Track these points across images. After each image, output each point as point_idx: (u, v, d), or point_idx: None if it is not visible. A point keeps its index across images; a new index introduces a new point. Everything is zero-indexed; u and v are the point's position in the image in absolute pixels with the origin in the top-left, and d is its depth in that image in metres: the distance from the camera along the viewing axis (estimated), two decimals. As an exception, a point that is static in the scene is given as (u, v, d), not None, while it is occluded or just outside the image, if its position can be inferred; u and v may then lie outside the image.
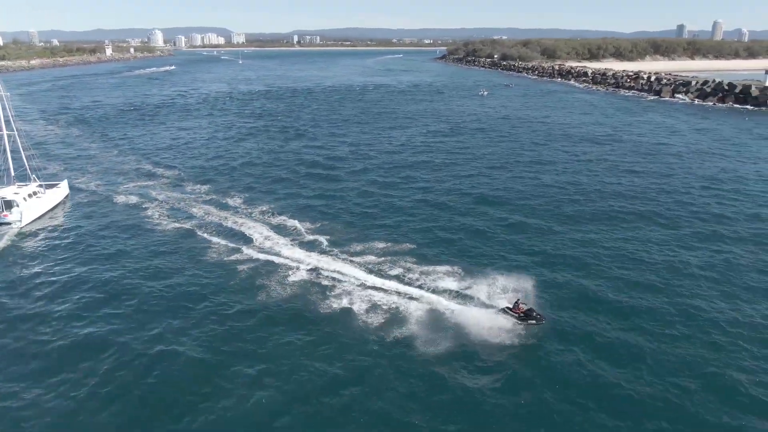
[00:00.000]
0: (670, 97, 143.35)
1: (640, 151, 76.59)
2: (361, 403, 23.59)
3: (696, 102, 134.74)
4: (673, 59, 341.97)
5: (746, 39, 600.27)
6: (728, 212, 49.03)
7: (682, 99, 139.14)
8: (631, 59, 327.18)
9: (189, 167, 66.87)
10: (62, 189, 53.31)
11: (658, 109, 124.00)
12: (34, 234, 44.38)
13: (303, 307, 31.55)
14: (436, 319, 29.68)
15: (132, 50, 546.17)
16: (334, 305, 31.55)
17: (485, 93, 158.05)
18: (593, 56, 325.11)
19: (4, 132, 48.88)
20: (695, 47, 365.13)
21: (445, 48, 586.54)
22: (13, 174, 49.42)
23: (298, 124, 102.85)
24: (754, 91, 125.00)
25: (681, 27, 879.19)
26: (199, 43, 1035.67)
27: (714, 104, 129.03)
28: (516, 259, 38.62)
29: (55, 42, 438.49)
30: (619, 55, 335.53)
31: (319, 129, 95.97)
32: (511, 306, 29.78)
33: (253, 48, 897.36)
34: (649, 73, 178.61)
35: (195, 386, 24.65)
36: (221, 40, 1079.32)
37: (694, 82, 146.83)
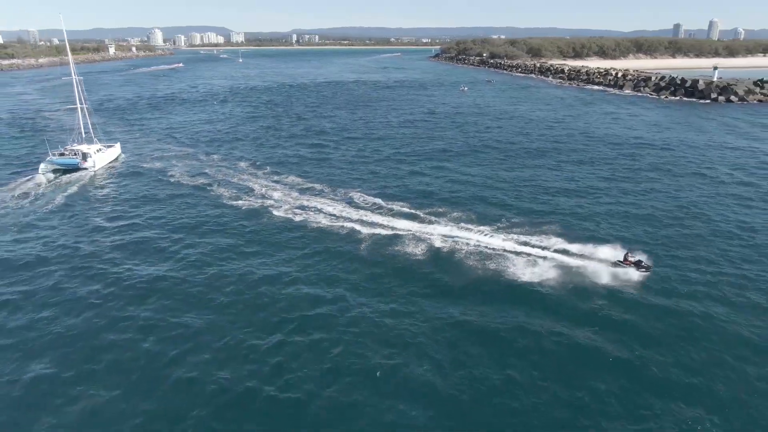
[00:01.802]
0: (631, 91, 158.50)
1: (577, 133, 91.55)
2: (524, 324, 30.53)
3: (651, 95, 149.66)
4: (655, 57, 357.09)
5: (742, 38, 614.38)
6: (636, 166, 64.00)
7: (640, 93, 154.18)
8: (614, 57, 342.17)
9: (204, 140, 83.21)
10: (117, 149, 73.45)
11: (613, 101, 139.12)
12: (103, 176, 64.14)
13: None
14: (566, 273, 35.88)
15: (134, 49, 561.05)
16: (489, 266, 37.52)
17: (465, 89, 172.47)
18: (578, 55, 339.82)
19: (83, 105, 69.00)
20: (676, 46, 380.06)
21: (438, 47, 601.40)
22: (83, 136, 68.87)
23: (294, 110, 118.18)
24: (701, 85, 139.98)
25: (678, 26, 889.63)
26: (198, 42, 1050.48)
27: (666, 97, 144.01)
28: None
29: (56, 41, 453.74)
30: (603, 53, 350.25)
31: (312, 114, 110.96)
32: (621, 259, 36.54)
33: (252, 47, 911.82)
34: (618, 70, 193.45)
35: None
36: (221, 39, 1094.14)
37: (654, 78, 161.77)
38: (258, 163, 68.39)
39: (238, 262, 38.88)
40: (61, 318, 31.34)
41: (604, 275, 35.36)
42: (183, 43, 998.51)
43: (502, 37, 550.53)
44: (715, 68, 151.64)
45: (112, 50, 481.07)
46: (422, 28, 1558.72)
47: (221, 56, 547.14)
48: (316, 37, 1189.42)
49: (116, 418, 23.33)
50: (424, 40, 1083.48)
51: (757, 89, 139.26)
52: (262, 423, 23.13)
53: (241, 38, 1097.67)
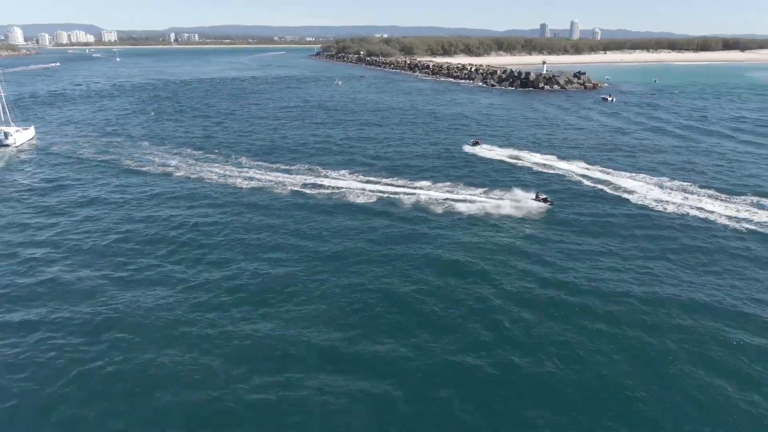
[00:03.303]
0: (480, 83, 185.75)
1: (423, 111, 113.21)
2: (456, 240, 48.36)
3: (495, 86, 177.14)
4: (514, 55, 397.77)
5: (599, 37, 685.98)
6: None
7: (486, 84, 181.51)
8: (479, 55, 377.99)
9: (102, 126, 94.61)
10: (31, 131, 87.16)
11: (463, 90, 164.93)
12: (24, 151, 76.74)
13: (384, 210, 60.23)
14: (493, 209, 50.19)
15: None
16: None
17: (340, 83, 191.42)
18: (446, 52, 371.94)
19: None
20: (531, 45, 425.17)
21: (320, 46, 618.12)
22: (1, 119, 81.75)
23: (181, 102, 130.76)
24: (532, 77, 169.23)
25: (544, 26, 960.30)
26: (65, 41, 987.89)
27: (505, 87, 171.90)
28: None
29: None
30: (469, 51, 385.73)
31: (198, 104, 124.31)
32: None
33: (127, 46, 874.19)
34: (473, 65, 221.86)
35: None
36: (90, 38, 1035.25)
37: (499, 72, 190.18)
38: (155, 141, 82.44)
39: (144, 211, 54.37)
40: None
41: (529, 208, 50.84)
42: (48, 42, 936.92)
43: (385, 35, 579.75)
44: (544, 63, 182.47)
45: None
46: (307, 27, 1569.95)
47: (95, 55, 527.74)
48: (196, 35, 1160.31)
49: None
50: (308, 39, 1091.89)
51: (575, 80, 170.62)
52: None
53: (113, 37, 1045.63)
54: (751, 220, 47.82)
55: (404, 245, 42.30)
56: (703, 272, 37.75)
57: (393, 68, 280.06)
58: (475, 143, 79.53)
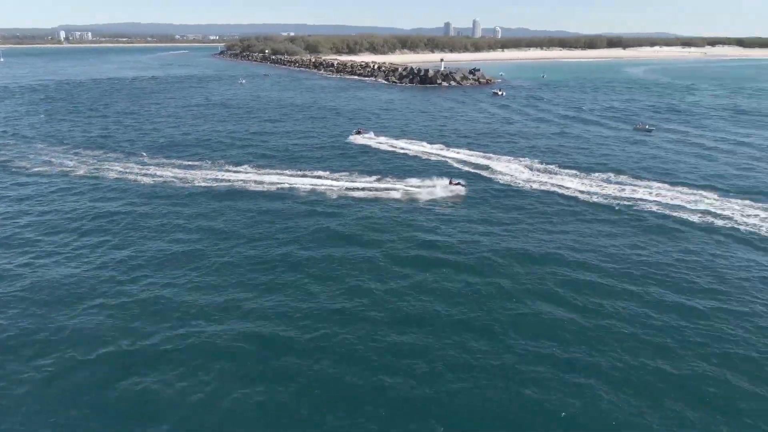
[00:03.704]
0: (382, 80, 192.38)
1: (326, 108, 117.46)
2: (375, 221, 54.50)
3: (396, 82, 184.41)
4: (417, 53, 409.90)
5: (500, 36, 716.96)
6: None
7: (388, 81, 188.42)
8: (383, 53, 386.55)
9: None
10: None
11: (366, 87, 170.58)
12: None
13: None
14: (415, 193, 55.16)
15: None
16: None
17: (243, 82, 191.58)
18: (351, 51, 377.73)
19: None
20: (434, 43, 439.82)
21: (224, 44, 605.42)
22: None
23: (76, 103, 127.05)
24: (430, 73, 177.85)
25: (448, 24, 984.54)
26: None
27: (406, 84, 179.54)
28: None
29: None
30: (374, 49, 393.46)
31: (95, 104, 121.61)
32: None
33: (10, 45, 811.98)
34: (376, 63, 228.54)
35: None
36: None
37: (400, 69, 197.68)
38: (51, 142, 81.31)
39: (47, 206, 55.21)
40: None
41: (443, 192, 56.08)
42: None
43: (292, 33, 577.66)
44: (442, 60, 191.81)
45: None
46: (210, 25, 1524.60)
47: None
48: (89, 34, 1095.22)
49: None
50: (212, 37, 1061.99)
51: (471, 76, 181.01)
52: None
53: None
54: (599, 193, 56.02)
55: (304, 222, 46.51)
56: (551, 231, 44.83)
57: (298, 67, 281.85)
58: (358, 132, 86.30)
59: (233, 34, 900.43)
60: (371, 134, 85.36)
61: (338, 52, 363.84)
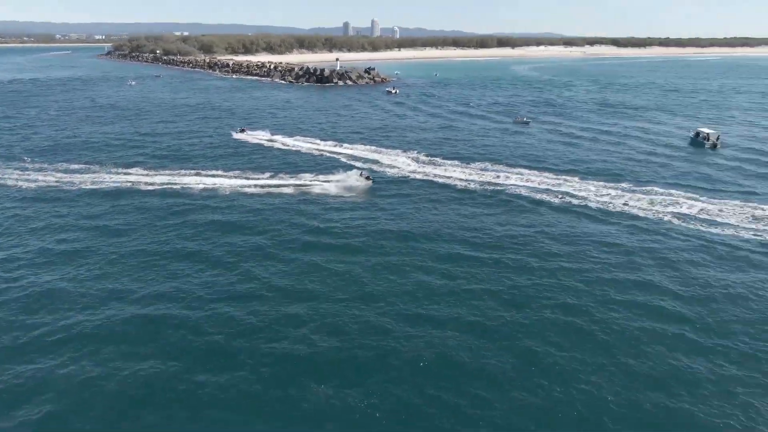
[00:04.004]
0: (279, 79, 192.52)
1: (220, 108, 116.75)
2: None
3: (293, 82, 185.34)
4: (315, 52, 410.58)
5: (398, 35, 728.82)
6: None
7: (285, 81, 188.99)
8: (281, 53, 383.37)
9: None
10: None
11: (262, 87, 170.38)
12: None
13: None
14: (330, 186, 56.89)
15: None
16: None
17: (133, 83, 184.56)
18: (248, 51, 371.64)
19: None
20: (332, 43, 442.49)
21: (111, 44, 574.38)
22: None
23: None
24: (326, 73, 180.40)
25: (347, 24, 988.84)
26: None
27: (302, 83, 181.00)
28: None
29: None
30: (271, 49, 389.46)
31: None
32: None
33: None
34: (273, 63, 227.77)
35: None
36: None
37: (296, 69, 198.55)
38: None
39: None
40: None
41: (359, 183, 58.23)
42: None
43: (186, 33, 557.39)
44: (337, 60, 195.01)
45: None
46: (97, 24, 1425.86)
47: None
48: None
49: None
50: (98, 37, 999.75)
51: (366, 75, 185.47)
52: None
53: None
54: (476, 180, 61.19)
55: (196, 217, 47.52)
56: (432, 214, 49.11)
57: (192, 67, 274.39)
58: (242, 130, 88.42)
59: (122, 34, 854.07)
60: (267, 132, 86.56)
61: (234, 52, 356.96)
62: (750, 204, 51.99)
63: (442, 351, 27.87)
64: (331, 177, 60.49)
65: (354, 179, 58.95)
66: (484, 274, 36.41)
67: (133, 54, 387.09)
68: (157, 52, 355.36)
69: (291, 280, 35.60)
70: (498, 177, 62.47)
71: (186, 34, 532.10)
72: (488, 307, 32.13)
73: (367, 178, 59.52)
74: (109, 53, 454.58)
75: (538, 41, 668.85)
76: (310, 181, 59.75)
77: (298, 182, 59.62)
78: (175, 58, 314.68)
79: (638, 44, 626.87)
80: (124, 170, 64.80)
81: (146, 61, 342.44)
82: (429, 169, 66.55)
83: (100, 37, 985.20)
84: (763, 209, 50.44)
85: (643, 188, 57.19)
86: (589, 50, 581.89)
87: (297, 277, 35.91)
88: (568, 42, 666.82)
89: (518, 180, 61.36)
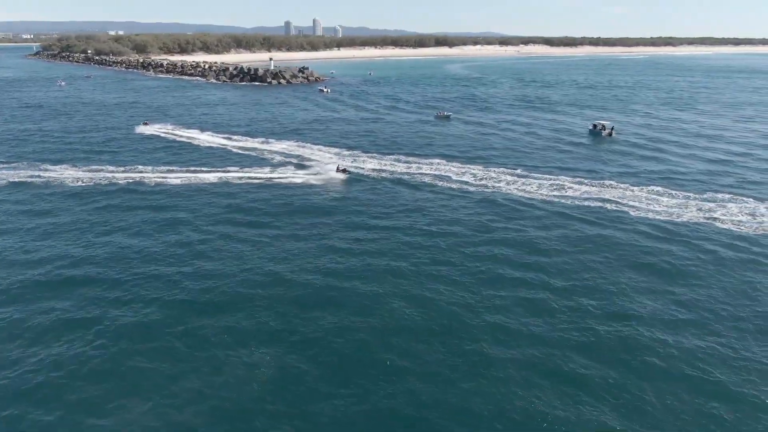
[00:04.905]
0: (214, 79, 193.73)
1: (151, 108, 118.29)
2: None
3: (228, 81, 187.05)
4: (253, 52, 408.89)
5: (340, 35, 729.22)
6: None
7: (220, 81, 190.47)
8: (217, 52, 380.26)
9: None
10: None
11: (197, 86, 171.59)
12: None
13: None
14: (308, 179, 61.54)
15: None
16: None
17: (63, 84, 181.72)
18: (183, 50, 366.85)
19: None
20: (270, 42, 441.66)
21: (39, 44, 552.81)
22: None
23: None
24: (260, 72, 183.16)
25: (288, 23, 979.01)
26: None
27: (236, 83, 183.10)
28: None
29: None
30: (208, 48, 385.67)
31: None
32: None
33: None
34: (208, 63, 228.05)
35: None
36: None
37: (231, 68, 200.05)
38: None
39: None
40: None
41: (336, 177, 62.55)
42: None
43: (121, 32, 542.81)
44: (271, 59, 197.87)
45: None
46: (24, 22, 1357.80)
47: None
48: None
49: None
50: (25, 36, 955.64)
51: (300, 74, 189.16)
52: None
53: None
54: (389, 170, 66.79)
55: (150, 212, 50.95)
56: (340, 201, 54.25)
57: (126, 67, 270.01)
58: (145, 123, 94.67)
59: (52, 33, 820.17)
60: (196, 131, 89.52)
61: (169, 52, 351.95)
62: (597, 181, 60.40)
63: (357, 303, 32.95)
64: (313, 170, 65.58)
65: (333, 173, 63.91)
66: (385, 242, 42.03)
67: (63, 54, 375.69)
68: (89, 52, 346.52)
69: (200, 258, 39.84)
70: (410, 167, 68.12)
71: (120, 33, 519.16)
72: (386, 261, 37.52)
73: (344, 171, 64.45)
74: (37, 53, 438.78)
75: (475, 41, 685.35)
76: (307, 174, 64.28)
77: (320, 174, 64.09)
78: (108, 59, 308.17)
79: (570, 44, 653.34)
80: (53, 167, 66.76)
81: (77, 62, 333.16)
82: (348, 161, 71.36)
83: (28, 36, 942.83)
84: (611, 186, 58.18)
85: (534, 173, 64.42)
86: (523, 49, 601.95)
87: (207, 260, 40.17)
88: (504, 41, 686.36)
89: (427, 169, 67.23)
